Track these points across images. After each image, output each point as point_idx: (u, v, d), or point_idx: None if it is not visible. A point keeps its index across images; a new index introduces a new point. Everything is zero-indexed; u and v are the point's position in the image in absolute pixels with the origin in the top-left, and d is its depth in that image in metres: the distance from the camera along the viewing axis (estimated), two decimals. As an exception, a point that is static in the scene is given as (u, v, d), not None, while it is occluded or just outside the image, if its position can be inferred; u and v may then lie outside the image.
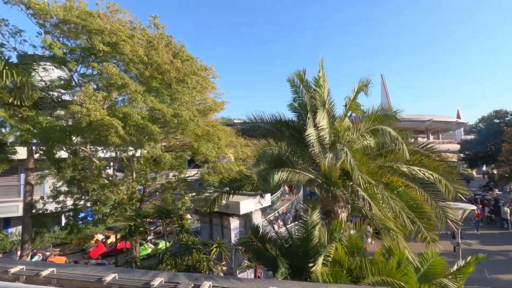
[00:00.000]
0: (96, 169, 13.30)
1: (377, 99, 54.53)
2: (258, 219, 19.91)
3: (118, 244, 25.37)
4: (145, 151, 11.24)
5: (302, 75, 9.14)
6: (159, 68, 11.56)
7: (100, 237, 25.08)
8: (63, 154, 14.57)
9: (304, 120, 8.93)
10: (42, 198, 14.89)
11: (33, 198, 14.24)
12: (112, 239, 25.58)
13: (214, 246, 9.81)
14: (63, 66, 11.20)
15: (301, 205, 28.72)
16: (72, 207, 14.85)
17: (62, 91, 12.61)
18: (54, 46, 10.21)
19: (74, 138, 10.86)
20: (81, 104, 9.10)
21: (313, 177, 8.28)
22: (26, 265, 5.47)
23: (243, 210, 17.95)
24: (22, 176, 23.99)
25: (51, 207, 15.53)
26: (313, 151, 7.93)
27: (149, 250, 22.46)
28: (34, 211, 14.32)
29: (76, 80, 12.21)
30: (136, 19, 12.92)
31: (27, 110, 10.19)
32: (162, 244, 24.18)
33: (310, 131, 7.64)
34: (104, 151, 15.92)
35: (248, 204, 18.50)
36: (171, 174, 16.53)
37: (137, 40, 11.46)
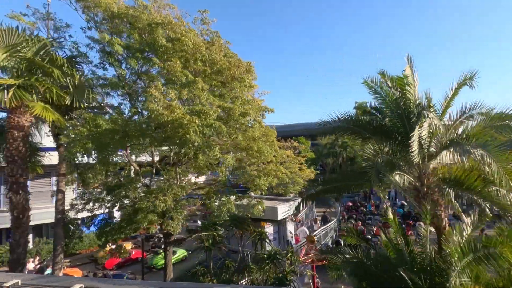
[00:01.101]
0: (138, 175, 12.43)
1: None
2: (290, 226, 19.31)
3: (133, 254, 24.21)
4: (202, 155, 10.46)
5: (385, 74, 8.79)
6: (215, 65, 10.87)
7: (111, 245, 23.77)
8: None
9: (393, 123, 8.54)
10: (72, 206, 13.82)
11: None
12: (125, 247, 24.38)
13: (289, 255, 9.15)
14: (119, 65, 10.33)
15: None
16: (106, 214, 13.87)
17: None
18: (114, 43, 9.36)
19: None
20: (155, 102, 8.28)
21: (412, 179, 7.83)
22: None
23: (280, 216, 17.30)
24: (29, 183, 22.53)
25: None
26: (413, 153, 7.40)
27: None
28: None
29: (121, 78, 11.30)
30: (185, 15, 12.18)
31: (84, 113, 9.30)
32: (180, 252, 23.16)
33: (416, 132, 7.18)
34: (139, 155, 15.05)
35: (284, 210, 17.86)
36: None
37: (193, 36, 10.76)
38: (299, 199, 20.26)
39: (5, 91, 7.21)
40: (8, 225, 20.69)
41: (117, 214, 21.44)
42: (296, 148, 15.69)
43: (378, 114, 9.17)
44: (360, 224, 24.86)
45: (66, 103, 8.75)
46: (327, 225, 21.58)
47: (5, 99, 7.08)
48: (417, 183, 7.88)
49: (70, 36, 10.69)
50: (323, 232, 20.42)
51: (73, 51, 10.09)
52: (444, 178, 7.04)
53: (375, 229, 22.79)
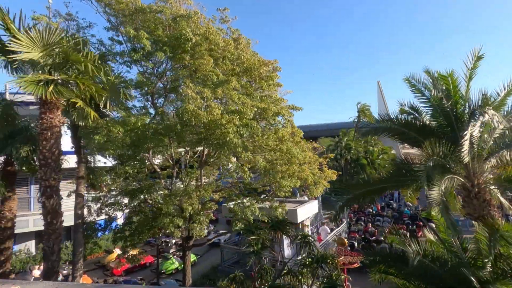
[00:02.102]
0: (159, 178, 12.02)
1: (373, 106, 54.73)
2: (307, 228, 18.93)
3: (144, 259, 23.58)
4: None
5: (430, 72, 8.58)
6: (242, 64, 10.55)
7: (117, 251, 23.20)
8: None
9: (439, 122, 8.36)
10: (89, 209, 13.34)
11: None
12: (132, 253, 23.74)
13: (330, 259, 8.80)
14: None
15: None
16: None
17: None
18: (141, 37, 8.97)
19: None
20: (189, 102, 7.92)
21: (462, 180, 7.62)
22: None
23: (299, 218, 16.92)
24: (33, 187, 21.91)
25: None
26: (464, 152, 7.19)
27: (177, 264, 20.93)
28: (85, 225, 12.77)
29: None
30: (202, 10, 11.81)
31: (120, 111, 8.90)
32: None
33: (469, 131, 7.00)
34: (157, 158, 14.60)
35: (303, 212, 17.48)
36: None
37: (215, 32, 10.43)
38: (314, 201, 20.02)
39: (46, 86, 6.83)
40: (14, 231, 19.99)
41: (120, 219, 20.88)
42: (316, 149, 15.36)
43: (416, 114, 8.96)
44: (370, 226, 24.84)
45: (101, 103, 8.34)
46: (342, 225, 21.46)
47: (48, 91, 6.70)
48: (467, 183, 7.69)
49: (92, 35, 10.32)
50: (337, 234, 20.25)
51: (101, 49, 9.72)
52: (508, 178, 6.81)
53: (386, 230, 22.79)
